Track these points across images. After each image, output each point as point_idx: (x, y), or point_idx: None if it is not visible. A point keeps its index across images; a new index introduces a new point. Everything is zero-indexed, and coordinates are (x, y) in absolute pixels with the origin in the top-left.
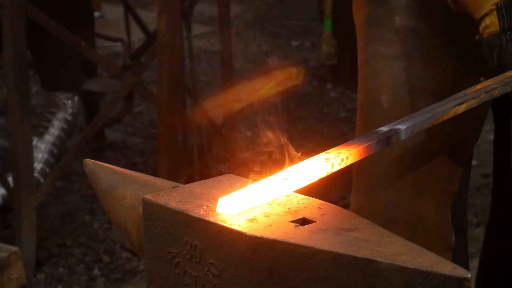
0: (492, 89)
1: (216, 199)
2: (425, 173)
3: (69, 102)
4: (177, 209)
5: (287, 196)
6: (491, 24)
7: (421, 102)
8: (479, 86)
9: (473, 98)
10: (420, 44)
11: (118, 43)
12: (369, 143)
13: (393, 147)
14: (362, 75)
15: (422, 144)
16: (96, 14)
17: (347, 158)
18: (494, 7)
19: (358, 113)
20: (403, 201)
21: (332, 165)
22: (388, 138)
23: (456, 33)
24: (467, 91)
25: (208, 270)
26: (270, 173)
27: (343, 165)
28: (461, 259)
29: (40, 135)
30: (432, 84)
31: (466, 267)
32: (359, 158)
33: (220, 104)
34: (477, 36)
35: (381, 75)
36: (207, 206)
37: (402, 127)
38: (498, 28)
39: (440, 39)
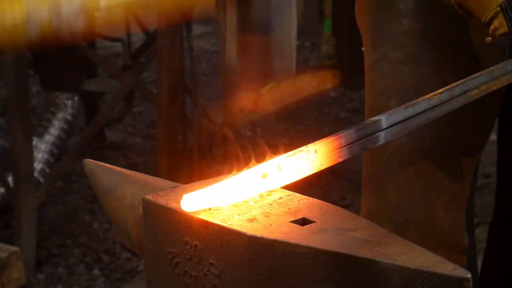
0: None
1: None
2: (436, 176)
3: (69, 102)
4: (177, 209)
5: (287, 196)
6: (499, 26)
7: None
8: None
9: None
10: (428, 47)
11: (118, 43)
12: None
13: (403, 150)
14: (370, 79)
15: (431, 146)
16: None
17: (315, 151)
18: (499, 8)
19: (366, 116)
20: (414, 204)
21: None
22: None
23: (464, 35)
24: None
25: (208, 270)
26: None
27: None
28: (470, 260)
29: (40, 135)
30: (441, 87)
31: (474, 267)
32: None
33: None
34: (486, 39)
35: (390, 78)
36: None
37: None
38: (507, 29)
39: (448, 42)
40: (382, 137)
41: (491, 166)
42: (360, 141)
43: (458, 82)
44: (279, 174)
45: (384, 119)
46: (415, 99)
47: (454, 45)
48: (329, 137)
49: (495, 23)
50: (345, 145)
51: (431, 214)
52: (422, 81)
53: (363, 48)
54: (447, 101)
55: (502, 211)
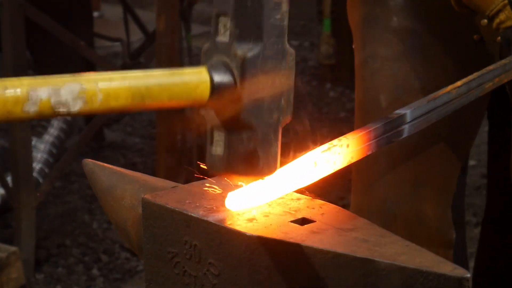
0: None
1: (215, 199)
2: (424, 171)
3: None
4: (176, 209)
5: (286, 195)
6: (506, 18)
7: None
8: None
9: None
10: (419, 44)
11: (117, 43)
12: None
13: (392, 146)
14: (360, 75)
15: (420, 142)
16: (95, 14)
17: (347, 146)
18: (506, 1)
19: (356, 112)
20: (402, 199)
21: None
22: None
23: (454, 32)
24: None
25: (207, 270)
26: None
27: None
28: (459, 257)
29: (39, 135)
30: (431, 84)
31: (465, 264)
32: (362, 144)
33: None
34: (475, 36)
35: (380, 75)
36: (207, 206)
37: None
38: None
39: (438, 39)
40: (406, 130)
41: None
42: (387, 135)
43: (474, 75)
44: (315, 169)
45: (409, 113)
46: (405, 95)
47: (444, 42)
48: (359, 130)
49: (502, 16)
50: (374, 139)
51: (420, 209)
52: (412, 77)
53: (353, 45)
54: (464, 94)
55: (494, 210)
